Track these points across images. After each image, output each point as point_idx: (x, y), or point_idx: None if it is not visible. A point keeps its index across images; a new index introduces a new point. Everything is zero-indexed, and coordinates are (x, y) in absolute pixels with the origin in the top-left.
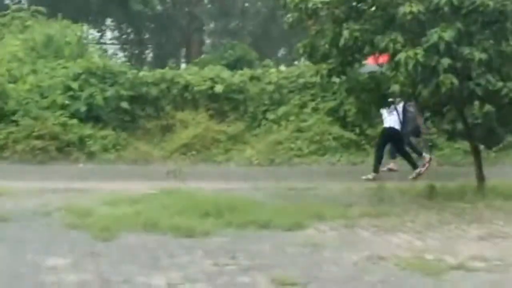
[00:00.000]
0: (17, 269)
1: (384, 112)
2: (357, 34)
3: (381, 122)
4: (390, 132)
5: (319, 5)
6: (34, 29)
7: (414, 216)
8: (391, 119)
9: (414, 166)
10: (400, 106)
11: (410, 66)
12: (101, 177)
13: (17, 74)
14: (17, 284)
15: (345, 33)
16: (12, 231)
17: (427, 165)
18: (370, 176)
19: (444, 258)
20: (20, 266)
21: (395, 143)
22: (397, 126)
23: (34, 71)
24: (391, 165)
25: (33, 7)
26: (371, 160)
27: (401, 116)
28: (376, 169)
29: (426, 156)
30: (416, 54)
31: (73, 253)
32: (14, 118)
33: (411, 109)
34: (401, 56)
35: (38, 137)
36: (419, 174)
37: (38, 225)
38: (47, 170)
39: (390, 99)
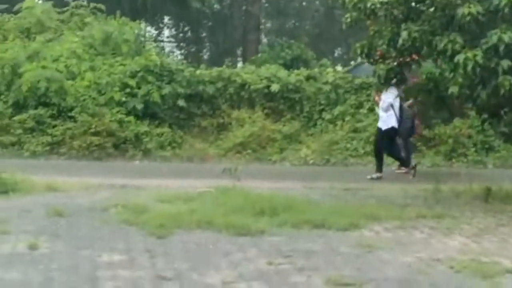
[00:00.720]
0: (73, 264)
1: (381, 111)
2: (415, 34)
3: (439, 123)
4: (390, 132)
5: (378, 5)
6: (93, 26)
7: (470, 219)
8: (389, 118)
9: (404, 162)
10: (397, 105)
11: (469, 68)
12: (157, 174)
13: (76, 70)
14: (73, 279)
15: (404, 33)
16: (68, 227)
17: (410, 171)
18: (374, 176)
19: (500, 261)
20: (76, 262)
21: (388, 142)
22: (396, 125)
23: (92, 68)
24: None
25: (93, 4)
26: (426, 161)
27: (398, 115)
28: (379, 169)
29: (413, 162)
30: (475, 55)
31: (129, 250)
32: (71, 114)
33: (408, 108)
34: (460, 57)
35: (95, 134)
36: (413, 171)
37: (94, 221)
38: (103, 167)
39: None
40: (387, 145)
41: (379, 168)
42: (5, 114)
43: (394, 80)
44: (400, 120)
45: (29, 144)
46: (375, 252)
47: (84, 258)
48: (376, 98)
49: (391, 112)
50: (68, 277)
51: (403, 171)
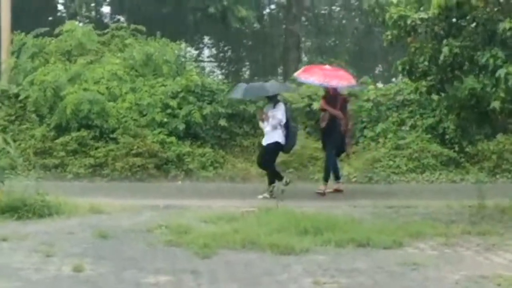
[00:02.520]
0: (118, 286)
1: (269, 127)
2: (457, 50)
3: (482, 139)
4: (275, 147)
5: (418, 22)
6: (134, 48)
7: None
8: (274, 133)
9: (273, 182)
10: (284, 121)
11: (511, 82)
12: (199, 195)
13: (117, 92)
14: None
15: (445, 49)
16: (113, 248)
17: (336, 190)
18: (266, 195)
19: None
20: (121, 284)
21: (272, 156)
22: (281, 140)
23: (133, 90)
24: (336, 185)
25: (133, 26)
26: (470, 177)
27: (284, 131)
28: (272, 182)
29: (341, 182)
30: None
31: (174, 271)
32: (113, 136)
33: (293, 123)
34: (502, 72)
35: (137, 155)
36: (281, 193)
37: (139, 243)
38: (145, 188)
39: None
40: (270, 160)
41: (273, 181)
42: (48, 136)
43: (279, 96)
44: (287, 135)
45: (72, 166)
46: (420, 269)
47: (129, 279)
48: (263, 115)
49: (279, 128)
50: None
51: (321, 191)
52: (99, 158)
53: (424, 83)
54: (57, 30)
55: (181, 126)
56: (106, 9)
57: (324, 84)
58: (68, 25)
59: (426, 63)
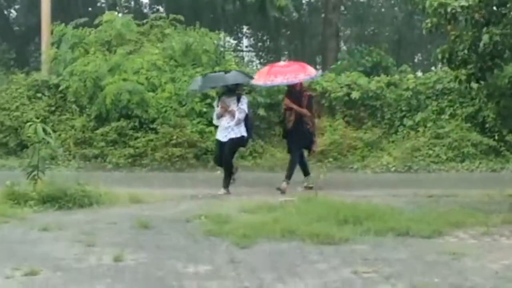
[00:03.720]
0: (159, 276)
1: (233, 121)
2: (497, 38)
3: None
4: (240, 142)
5: (458, 10)
6: (173, 38)
7: None
8: (240, 127)
9: (228, 183)
10: (243, 114)
11: None
12: (238, 184)
13: (156, 82)
14: None
15: (485, 37)
16: (153, 238)
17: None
18: (222, 192)
19: None
20: (162, 273)
21: (234, 151)
22: (245, 134)
23: (172, 79)
24: (306, 183)
25: (172, 16)
26: (511, 166)
27: (248, 124)
28: (227, 185)
29: (310, 178)
30: None
31: (213, 260)
32: (153, 126)
33: (250, 115)
34: None
35: (176, 145)
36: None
37: (178, 232)
38: (185, 178)
39: None
40: (232, 155)
41: (228, 180)
42: (88, 127)
43: (244, 89)
44: (250, 129)
45: (112, 157)
46: (461, 259)
47: (169, 269)
48: (225, 109)
49: (243, 123)
50: None
51: (308, 186)
52: (139, 148)
53: (464, 71)
54: (96, 21)
55: None
56: None
57: (268, 83)
58: (107, 15)
59: (466, 51)
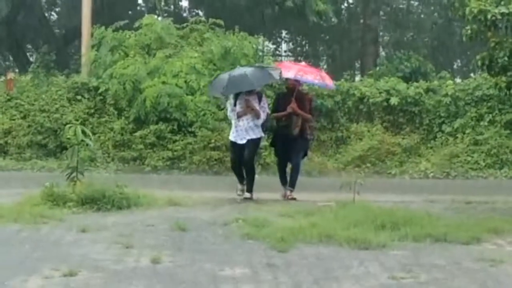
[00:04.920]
0: (196, 278)
1: (248, 120)
2: None
3: None
4: (259, 142)
5: (499, 17)
6: (212, 42)
7: None
8: (259, 128)
9: (252, 186)
10: (265, 113)
11: None
12: (276, 189)
13: (195, 86)
14: None
15: None
16: (190, 241)
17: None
18: (248, 195)
19: None
20: (199, 276)
21: (254, 153)
22: (263, 135)
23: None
24: (284, 192)
25: (211, 20)
26: None
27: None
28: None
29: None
30: None
31: (250, 264)
32: (191, 129)
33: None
34: None
35: (215, 148)
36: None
37: (215, 235)
38: (223, 181)
39: None
40: (253, 157)
41: (245, 184)
42: (127, 129)
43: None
44: (267, 130)
45: (150, 159)
46: (499, 266)
47: (206, 272)
48: (250, 108)
49: (261, 121)
50: None
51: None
52: (177, 151)
53: (503, 78)
54: (136, 24)
55: None
56: (184, 3)
57: (298, 77)
58: (147, 19)
59: (506, 58)
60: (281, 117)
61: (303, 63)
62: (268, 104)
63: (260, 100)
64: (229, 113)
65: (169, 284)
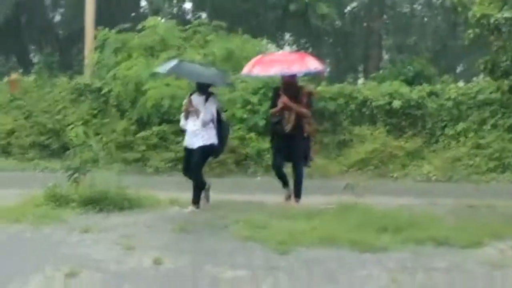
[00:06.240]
0: (197, 280)
1: (199, 124)
2: None
3: None
4: (210, 150)
5: (502, 21)
6: (215, 44)
7: None
8: (209, 133)
9: (198, 198)
10: (215, 117)
11: None
12: (278, 191)
13: None
14: None
15: None
16: (192, 242)
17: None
18: (193, 208)
19: None
20: (200, 278)
21: (203, 161)
22: (216, 142)
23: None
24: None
25: (214, 22)
26: None
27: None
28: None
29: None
30: None
31: (251, 266)
32: None
33: (225, 121)
34: None
35: None
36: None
37: (216, 237)
38: (224, 183)
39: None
40: (201, 165)
41: (197, 195)
42: (129, 131)
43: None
44: (220, 136)
45: (153, 161)
46: (500, 270)
47: (207, 273)
48: (189, 107)
49: (211, 126)
50: None
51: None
52: (180, 152)
53: (506, 82)
54: (140, 26)
55: (261, 122)
56: (188, 5)
57: (261, 74)
58: (151, 21)
59: (508, 62)
60: (275, 113)
61: (281, 51)
62: (254, 104)
63: (206, 101)
64: (181, 116)
65: (170, 285)
